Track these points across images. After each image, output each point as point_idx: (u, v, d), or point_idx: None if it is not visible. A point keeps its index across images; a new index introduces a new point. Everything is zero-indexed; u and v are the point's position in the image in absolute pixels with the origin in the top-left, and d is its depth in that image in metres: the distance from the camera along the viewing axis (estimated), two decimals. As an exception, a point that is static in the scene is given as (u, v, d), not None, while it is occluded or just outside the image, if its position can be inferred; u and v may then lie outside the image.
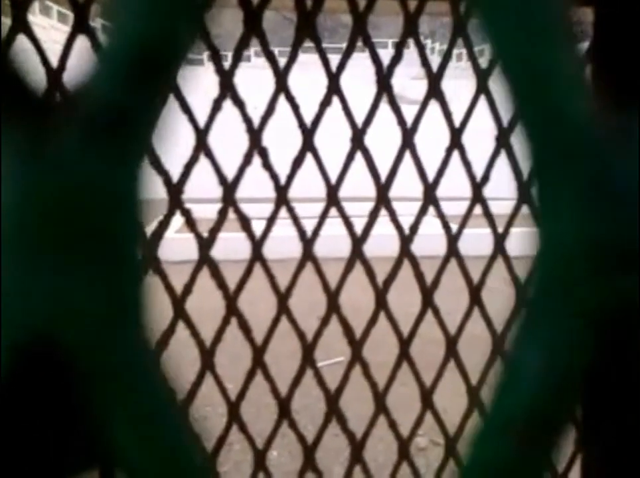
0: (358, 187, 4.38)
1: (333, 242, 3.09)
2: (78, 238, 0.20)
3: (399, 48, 1.02)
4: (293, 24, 1.09)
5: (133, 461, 0.22)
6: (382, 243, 2.77)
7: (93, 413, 0.21)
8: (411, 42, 1.10)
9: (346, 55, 1.03)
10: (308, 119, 1.09)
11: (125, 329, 0.21)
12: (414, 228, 1.15)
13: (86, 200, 0.20)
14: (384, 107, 1.13)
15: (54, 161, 0.20)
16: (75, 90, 0.20)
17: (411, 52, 1.10)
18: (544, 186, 0.21)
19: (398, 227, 1.16)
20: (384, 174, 1.14)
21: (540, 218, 0.21)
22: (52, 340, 0.21)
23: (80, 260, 0.20)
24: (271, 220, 1.12)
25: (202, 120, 1.06)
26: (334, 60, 1.06)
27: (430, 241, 2.72)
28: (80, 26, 0.98)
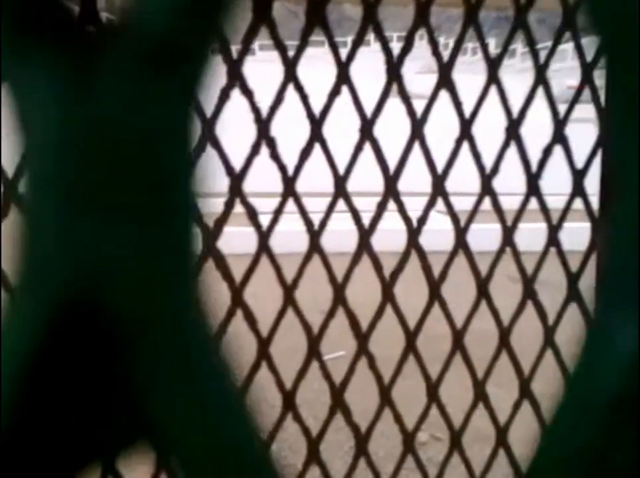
0: (366, 182, 4.36)
1: (339, 237, 3.08)
2: (123, 185, 0.18)
3: (409, 37, 1.01)
4: (298, 18, 1.08)
5: (183, 444, 0.19)
6: (389, 238, 2.76)
7: (139, 386, 0.19)
8: (416, 36, 1.09)
9: (356, 44, 1.02)
10: (316, 112, 1.08)
11: (175, 292, 0.19)
12: (422, 219, 1.14)
13: (136, 142, 0.18)
14: (391, 101, 1.12)
15: (101, 96, 0.18)
16: (124, 18, 0.18)
17: (415, 47, 1.09)
18: None
19: (406, 219, 1.15)
20: (392, 166, 1.13)
21: None
22: (93, 302, 0.19)
23: (125, 211, 0.18)
24: (278, 212, 1.11)
25: (209, 110, 1.05)
26: (340, 53, 1.05)
27: (437, 236, 2.70)
28: None
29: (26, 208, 0.19)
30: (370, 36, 1.08)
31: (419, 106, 1.12)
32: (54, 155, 0.18)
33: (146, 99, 0.18)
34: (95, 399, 0.21)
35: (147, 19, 0.18)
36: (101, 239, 0.18)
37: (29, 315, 0.19)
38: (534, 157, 1.18)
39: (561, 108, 1.17)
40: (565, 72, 13.10)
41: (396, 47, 1.07)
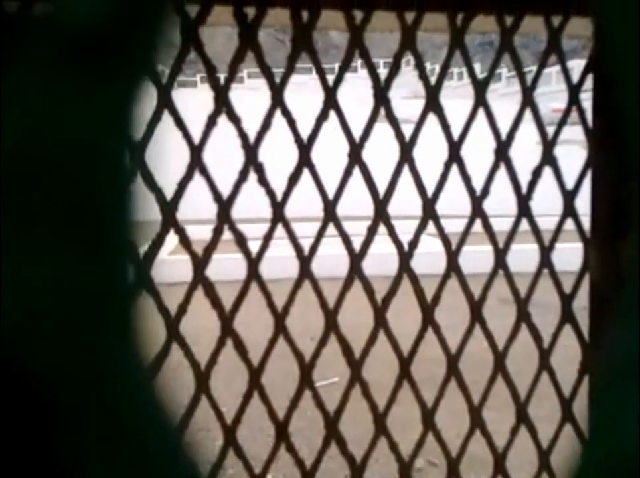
0: (355, 207, 4.38)
1: (329, 262, 3.08)
2: (40, 207, 0.14)
3: (397, 60, 1.01)
4: (285, 46, 1.08)
5: None
6: (380, 262, 2.76)
7: (67, 446, 0.16)
8: (402, 62, 1.09)
9: (343, 68, 1.02)
10: (304, 137, 1.08)
11: (108, 335, 0.15)
12: (413, 243, 1.13)
13: (56, 154, 0.14)
14: (379, 127, 1.12)
15: (16, 96, 0.14)
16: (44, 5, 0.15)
17: (401, 74, 1.09)
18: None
19: (397, 242, 1.14)
20: (382, 190, 1.13)
21: None
22: (9, 354, 0.15)
23: (46, 239, 0.14)
24: (267, 238, 1.10)
25: (196, 137, 1.05)
26: (327, 79, 1.05)
27: (428, 259, 2.71)
28: None
29: None
30: (357, 63, 1.08)
31: (406, 131, 1.12)
32: None
33: (69, 101, 0.14)
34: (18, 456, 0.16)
35: (72, 1, 0.14)
36: (18, 280, 0.15)
37: None
38: (522, 180, 1.18)
39: (547, 131, 1.18)
40: (549, 96, 13.32)
41: (382, 73, 1.08)
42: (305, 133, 1.08)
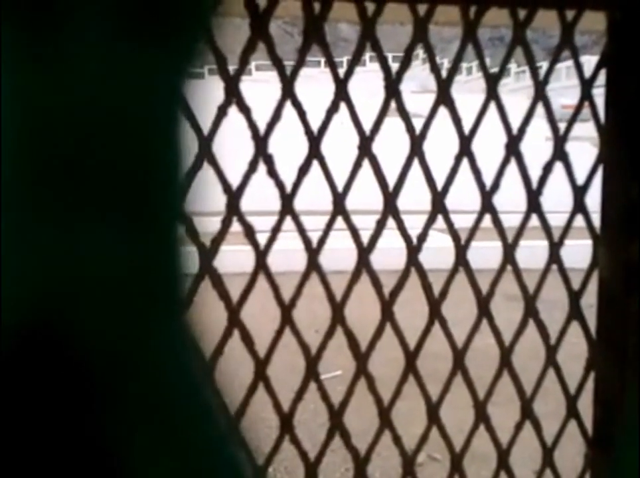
0: (364, 201, 4.37)
1: (337, 255, 3.08)
2: (95, 180, 0.13)
3: (408, 52, 1.00)
4: (294, 39, 1.08)
5: None
6: (388, 256, 2.76)
7: (107, 424, 0.15)
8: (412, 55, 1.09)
9: (354, 60, 1.01)
10: (314, 129, 1.08)
11: (155, 310, 0.15)
12: (422, 237, 1.12)
13: (111, 124, 0.13)
14: (389, 121, 1.12)
15: (67, 65, 0.13)
16: None
17: (410, 68, 1.08)
18: None
19: (405, 236, 1.14)
20: (391, 184, 1.13)
21: None
22: (56, 330, 0.14)
23: (98, 214, 0.14)
24: (276, 230, 1.10)
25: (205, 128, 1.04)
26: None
27: (436, 254, 2.70)
28: None
29: None
30: (366, 56, 1.08)
31: (416, 125, 1.12)
32: (4, 141, 0.13)
33: (125, 68, 0.14)
34: (58, 449, 0.16)
35: None
36: (67, 249, 0.14)
37: None
38: (533, 176, 1.18)
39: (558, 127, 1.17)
40: (559, 92, 13.25)
41: (392, 67, 1.07)
42: (314, 126, 1.08)
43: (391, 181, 1.12)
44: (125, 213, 0.14)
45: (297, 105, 1.03)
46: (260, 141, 1.04)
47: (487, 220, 1.18)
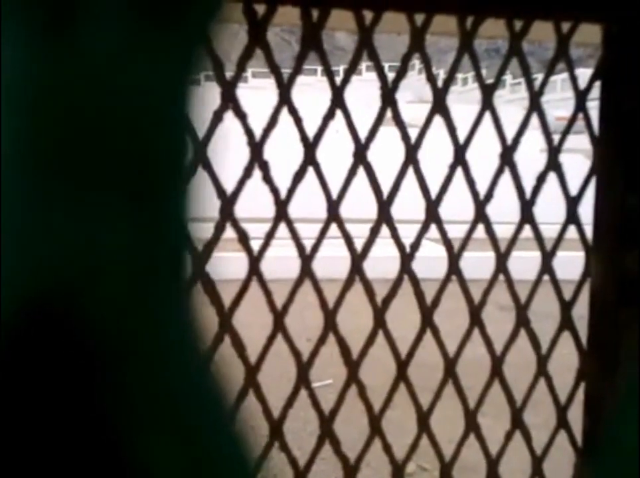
0: (358, 209, 4.38)
1: (329, 263, 3.08)
2: (106, 158, 0.14)
3: (405, 61, 1.01)
4: (291, 47, 1.08)
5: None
6: (380, 265, 2.76)
7: (113, 409, 0.15)
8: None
9: (350, 69, 1.02)
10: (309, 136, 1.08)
11: (168, 300, 0.15)
12: (415, 245, 1.13)
13: (124, 105, 0.14)
14: (384, 130, 1.12)
15: (82, 48, 0.13)
16: None
17: (406, 78, 1.09)
18: None
19: (399, 244, 1.14)
20: (385, 192, 1.13)
21: None
22: (64, 308, 0.14)
23: (108, 191, 0.14)
24: (269, 236, 1.10)
25: (201, 132, 1.04)
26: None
27: (428, 264, 2.71)
28: None
29: None
30: (362, 66, 1.09)
31: (410, 135, 1.12)
32: (20, 118, 0.14)
33: (139, 51, 0.14)
34: (63, 431, 0.16)
35: None
36: (76, 226, 0.14)
37: None
38: (527, 188, 1.18)
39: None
40: (553, 104, 13.33)
41: (388, 77, 1.08)
42: (309, 133, 1.08)
43: (385, 189, 1.13)
44: (131, 196, 0.15)
45: (293, 112, 1.03)
46: (256, 147, 1.04)
47: (480, 230, 1.19)
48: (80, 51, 0.14)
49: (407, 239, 1.13)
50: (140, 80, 0.14)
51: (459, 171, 1.14)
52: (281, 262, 3.23)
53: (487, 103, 1.07)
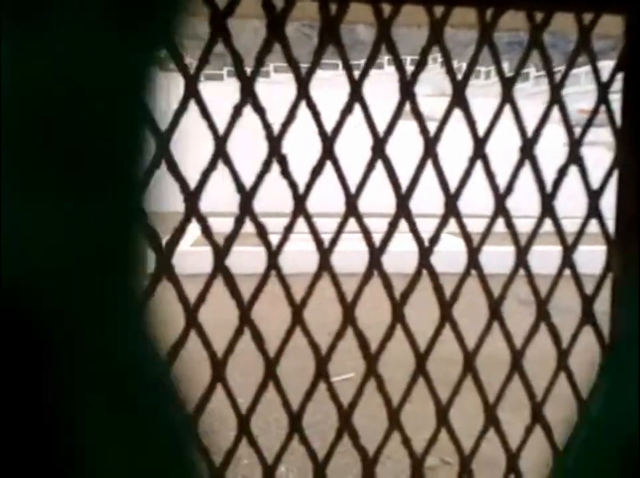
0: (377, 203, 4.37)
1: (349, 258, 3.08)
2: (63, 150, 0.14)
3: (423, 55, 1.00)
4: (311, 41, 1.08)
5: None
6: (399, 259, 2.76)
7: (62, 387, 0.15)
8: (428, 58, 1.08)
9: (370, 61, 1.02)
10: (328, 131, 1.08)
11: (112, 281, 0.15)
12: (434, 239, 1.12)
13: (86, 100, 0.14)
14: (403, 124, 1.12)
15: (51, 44, 0.14)
16: None
17: (425, 71, 1.08)
18: None
19: (417, 237, 1.13)
20: (404, 185, 1.13)
21: None
22: (14, 289, 0.14)
23: (61, 183, 0.14)
24: (288, 230, 1.10)
25: (221, 129, 1.05)
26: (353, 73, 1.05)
27: (448, 258, 2.70)
28: None
29: None
30: (384, 59, 1.08)
31: (429, 128, 1.12)
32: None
33: (105, 48, 0.14)
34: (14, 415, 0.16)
35: None
36: (29, 216, 0.14)
37: None
38: (549, 182, 1.17)
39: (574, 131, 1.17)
40: (575, 96, 13.15)
41: (408, 70, 1.07)
42: (328, 129, 1.08)
43: (404, 183, 1.12)
44: (90, 185, 0.15)
45: (312, 106, 1.03)
46: (274, 142, 1.05)
47: (500, 224, 1.18)
48: (47, 46, 0.14)
49: (426, 233, 1.13)
50: (102, 74, 0.15)
51: (479, 164, 1.13)
52: (299, 256, 3.24)
53: (507, 96, 1.06)
